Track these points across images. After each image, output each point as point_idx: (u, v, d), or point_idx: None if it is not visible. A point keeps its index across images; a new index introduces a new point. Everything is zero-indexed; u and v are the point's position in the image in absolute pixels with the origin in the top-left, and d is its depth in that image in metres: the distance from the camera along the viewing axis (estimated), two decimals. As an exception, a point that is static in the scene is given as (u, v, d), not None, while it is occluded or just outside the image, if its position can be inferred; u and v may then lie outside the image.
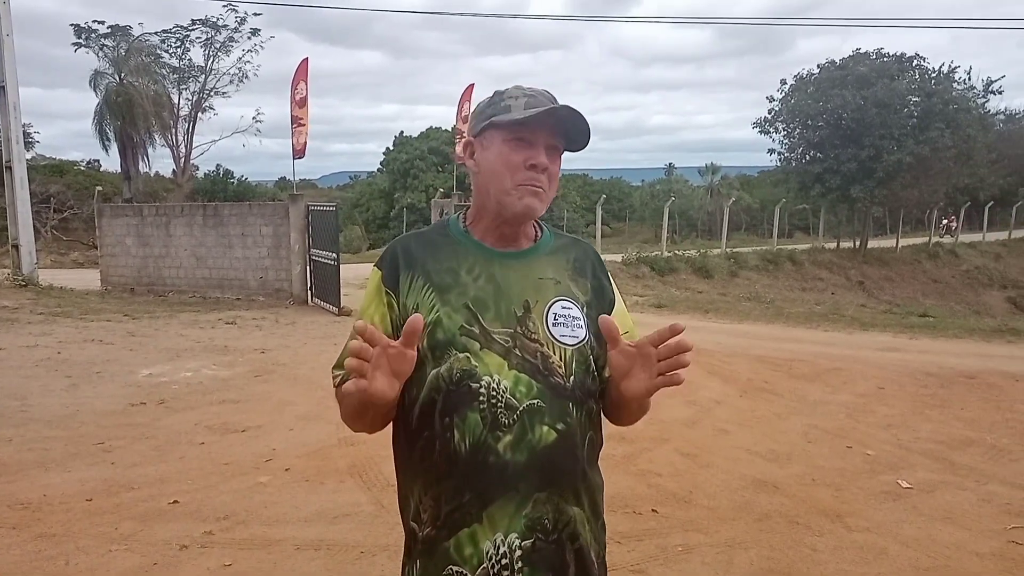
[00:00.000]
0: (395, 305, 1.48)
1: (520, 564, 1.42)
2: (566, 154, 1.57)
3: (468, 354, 1.41)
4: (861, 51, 25.74)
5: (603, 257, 1.72)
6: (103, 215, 15.72)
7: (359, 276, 14.41)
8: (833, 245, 28.12)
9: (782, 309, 14.26)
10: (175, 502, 4.25)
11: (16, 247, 14.86)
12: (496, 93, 1.53)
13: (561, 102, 1.49)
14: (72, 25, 30.21)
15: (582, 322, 1.50)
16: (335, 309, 12.29)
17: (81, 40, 30.21)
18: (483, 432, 1.39)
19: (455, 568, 1.42)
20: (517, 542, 1.41)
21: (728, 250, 23.70)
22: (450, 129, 37.81)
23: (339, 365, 1.51)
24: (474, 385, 1.40)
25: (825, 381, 7.54)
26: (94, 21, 30.35)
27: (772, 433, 5.78)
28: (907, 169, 23.76)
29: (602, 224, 22.62)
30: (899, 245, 29.52)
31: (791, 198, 29.41)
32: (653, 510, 4.23)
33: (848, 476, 4.83)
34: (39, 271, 15.17)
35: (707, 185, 47.59)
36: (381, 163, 45.36)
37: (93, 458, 5.04)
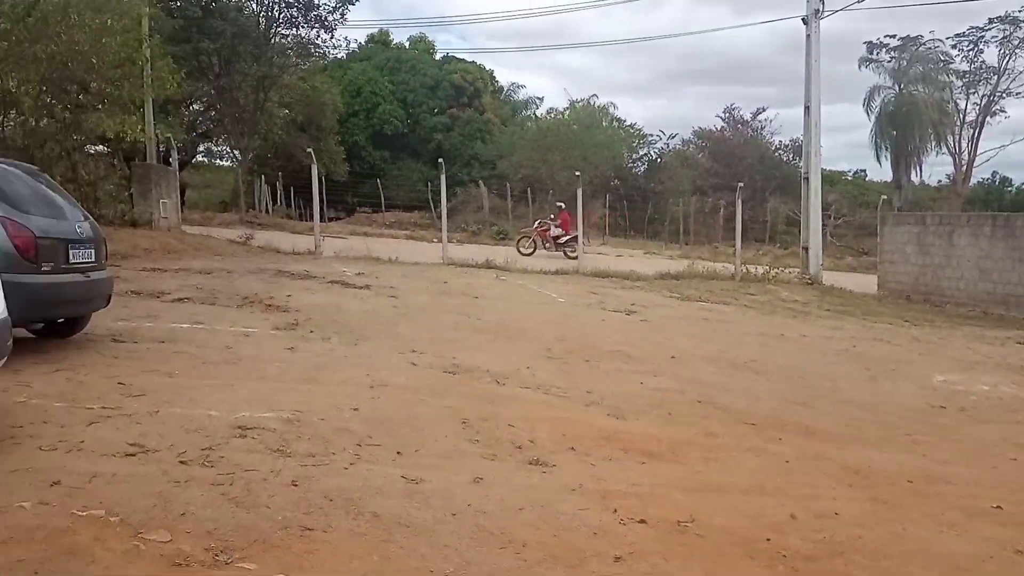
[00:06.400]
0: None
1: None
2: None
3: None
4: None
5: None
6: (885, 223, 16.36)
7: None
8: None
9: None
10: (998, 507, 4.29)
11: (806, 249, 16.80)
12: None
13: None
14: (865, 43, 31.96)
15: None
16: None
17: (872, 56, 31.76)
18: None
19: None
20: None
21: None
22: None
23: None
24: None
25: None
26: (885, 36, 31.30)
27: None
28: None
29: None
30: None
31: None
32: None
33: None
34: (822, 272, 16.80)
35: None
36: None
37: (902, 445, 5.45)
